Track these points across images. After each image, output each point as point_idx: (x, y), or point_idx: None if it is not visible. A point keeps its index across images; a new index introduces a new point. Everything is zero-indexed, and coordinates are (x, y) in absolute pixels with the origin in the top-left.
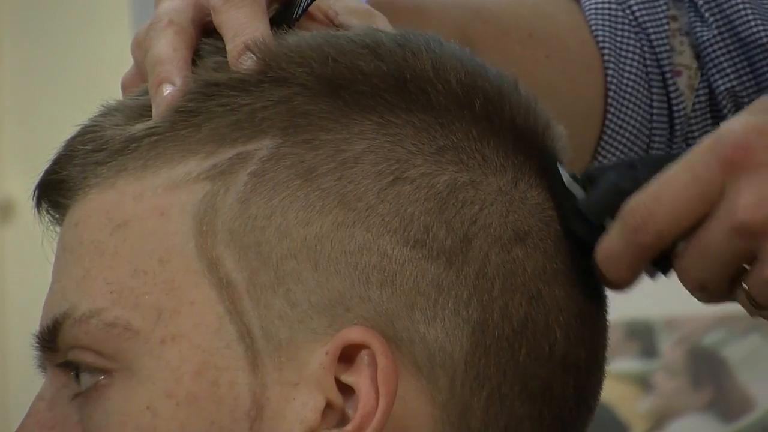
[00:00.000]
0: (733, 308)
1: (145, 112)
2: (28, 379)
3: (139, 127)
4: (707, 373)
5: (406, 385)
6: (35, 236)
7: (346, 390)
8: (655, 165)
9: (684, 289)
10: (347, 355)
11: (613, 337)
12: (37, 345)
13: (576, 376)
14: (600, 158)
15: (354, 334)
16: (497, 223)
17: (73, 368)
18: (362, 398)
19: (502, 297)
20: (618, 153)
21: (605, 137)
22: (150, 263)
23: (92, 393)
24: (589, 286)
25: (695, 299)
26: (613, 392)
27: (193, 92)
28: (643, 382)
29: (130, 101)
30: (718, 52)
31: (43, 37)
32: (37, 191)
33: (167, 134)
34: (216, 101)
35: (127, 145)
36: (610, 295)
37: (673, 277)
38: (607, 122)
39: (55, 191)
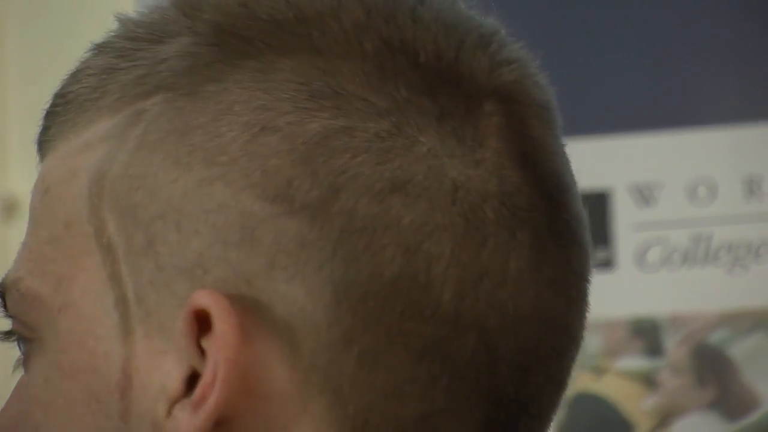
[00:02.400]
0: (738, 306)
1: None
2: None
3: (75, 86)
4: (712, 371)
5: (266, 350)
6: None
7: None
8: None
9: (689, 286)
10: (204, 320)
11: (618, 334)
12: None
13: (480, 336)
14: None
15: (198, 298)
16: (369, 172)
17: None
18: (207, 367)
19: (369, 251)
20: None
21: None
22: (59, 229)
23: (23, 363)
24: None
25: (700, 297)
26: (618, 390)
27: (117, 48)
28: (648, 380)
29: None
30: None
31: (48, 34)
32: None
33: (90, 94)
34: (127, 57)
35: (66, 105)
36: (616, 293)
37: (679, 275)
38: None
39: (39, 155)
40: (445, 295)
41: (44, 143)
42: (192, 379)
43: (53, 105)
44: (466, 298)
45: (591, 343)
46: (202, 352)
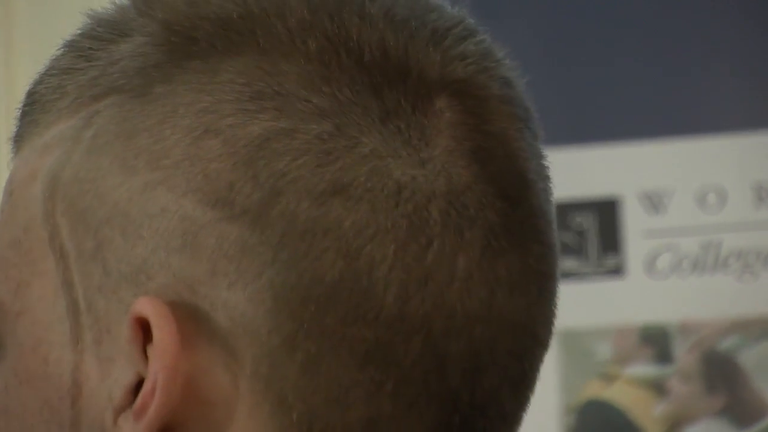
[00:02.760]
0: (748, 313)
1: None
2: None
3: (40, 86)
4: (722, 378)
5: (208, 357)
6: None
7: None
8: None
9: (699, 293)
10: (147, 328)
11: (628, 342)
12: None
13: (426, 339)
14: None
15: (139, 305)
16: (309, 175)
17: None
18: (148, 375)
19: (309, 256)
20: None
21: None
22: (19, 232)
23: None
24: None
25: (710, 304)
26: (628, 397)
27: (78, 47)
28: (657, 387)
29: None
30: None
31: (56, 34)
32: None
33: (51, 94)
34: (86, 57)
35: (33, 105)
36: (626, 300)
37: (689, 282)
38: None
39: (12, 155)
40: (388, 299)
41: (15, 143)
42: (139, 387)
43: (23, 104)
44: (410, 300)
45: (601, 350)
46: (147, 360)
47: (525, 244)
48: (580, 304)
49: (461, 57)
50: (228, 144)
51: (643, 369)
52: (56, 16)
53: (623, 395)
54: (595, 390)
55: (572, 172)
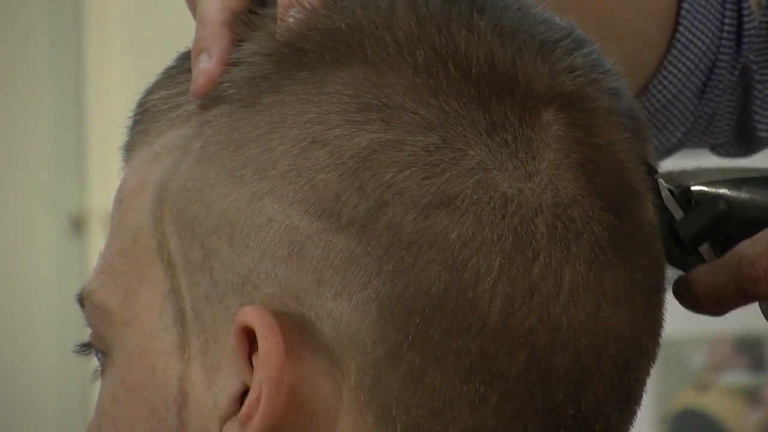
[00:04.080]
0: None
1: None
2: None
3: (152, 96)
4: None
5: (313, 367)
6: None
7: None
8: (759, 185)
9: None
10: (253, 337)
11: (722, 350)
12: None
13: (530, 353)
14: (664, 74)
15: (244, 315)
16: (416, 187)
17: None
18: (253, 384)
19: (415, 268)
20: (684, 69)
21: (674, 52)
22: (128, 241)
23: (99, 375)
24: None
25: None
26: (722, 406)
27: (188, 58)
28: (752, 396)
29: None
30: None
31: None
32: None
33: (163, 104)
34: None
35: (144, 115)
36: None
37: None
38: (678, 36)
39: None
40: (493, 312)
41: (126, 152)
42: (245, 396)
43: (134, 113)
44: (515, 314)
45: (695, 359)
46: (252, 369)
47: (632, 256)
48: (675, 313)
49: (569, 69)
50: (335, 155)
51: (738, 378)
52: (152, 27)
53: (718, 404)
54: (690, 399)
55: None
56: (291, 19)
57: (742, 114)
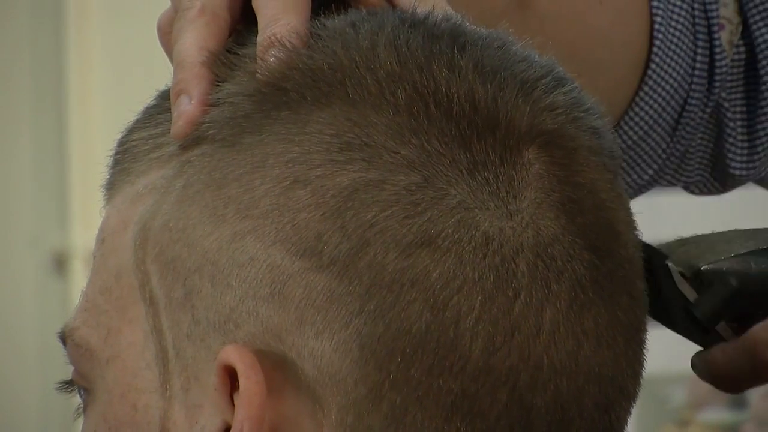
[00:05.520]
0: None
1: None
2: None
3: (132, 135)
4: None
5: (294, 406)
6: None
7: None
8: (765, 256)
9: None
10: (234, 376)
11: (703, 387)
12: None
13: (512, 391)
14: (636, 110)
15: (226, 354)
16: (397, 226)
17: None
18: (234, 423)
19: (396, 307)
20: (656, 106)
21: (645, 88)
22: (110, 280)
23: (82, 413)
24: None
25: None
26: None
27: (167, 98)
28: None
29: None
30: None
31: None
32: None
33: (143, 144)
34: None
35: (124, 154)
36: (695, 346)
37: None
38: (649, 73)
39: (104, 202)
40: (474, 351)
41: (107, 191)
42: None
43: (115, 153)
44: (497, 353)
45: (675, 395)
46: (234, 407)
47: (613, 296)
48: (655, 350)
49: (550, 108)
50: (317, 194)
51: (718, 414)
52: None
53: None
54: None
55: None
56: (272, 59)
57: (715, 152)
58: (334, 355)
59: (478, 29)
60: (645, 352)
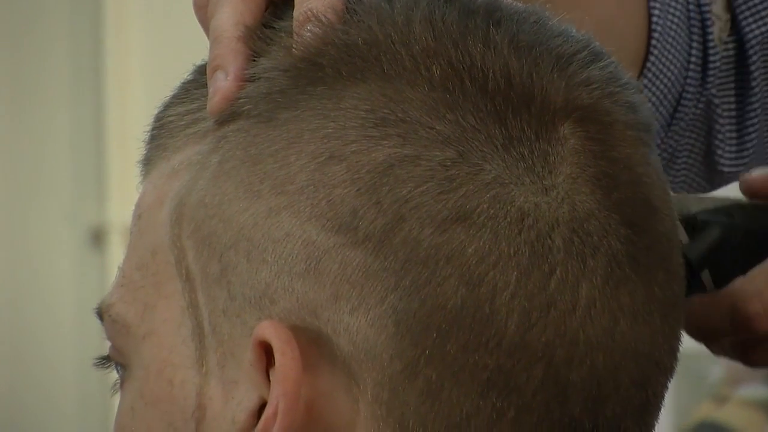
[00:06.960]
0: None
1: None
2: None
3: (168, 111)
4: None
5: (330, 381)
6: None
7: None
8: (750, 213)
9: None
10: (270, 351)
11: (740, 363)
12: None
13: (548, 367)
14: None
15: (261, 330)
16: (433, 202)
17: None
18: (270, 399)
19: (431, 283)
20: (654, 99)
21: (644, 81)
22: (147, 256)
23: (119, 389)
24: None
25: None
26: (740, 418)
27: (204, 73)
28: None
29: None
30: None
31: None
32: None
33: (179, 120)
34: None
35: (161, 130)
36: None
37: None
38: (648, 65)
39: (141, 177)
40: (510, 326)
41: (144, 166)
42: (262, 410)
43: (152, 128)
44: (532, 328)
45: (713, 371)
46: (270, 383)
47: (649, 271)
48: None
49: (586, 83)
50: (352, 170)
51: (756, 390)
52: (169, 38)
53: (735, 416)
54: (708, 411)
55: None
56: (308, 34)
57: (704, 149)
58: (370, 330)
59: (513, 4)
60: (681, 327)
